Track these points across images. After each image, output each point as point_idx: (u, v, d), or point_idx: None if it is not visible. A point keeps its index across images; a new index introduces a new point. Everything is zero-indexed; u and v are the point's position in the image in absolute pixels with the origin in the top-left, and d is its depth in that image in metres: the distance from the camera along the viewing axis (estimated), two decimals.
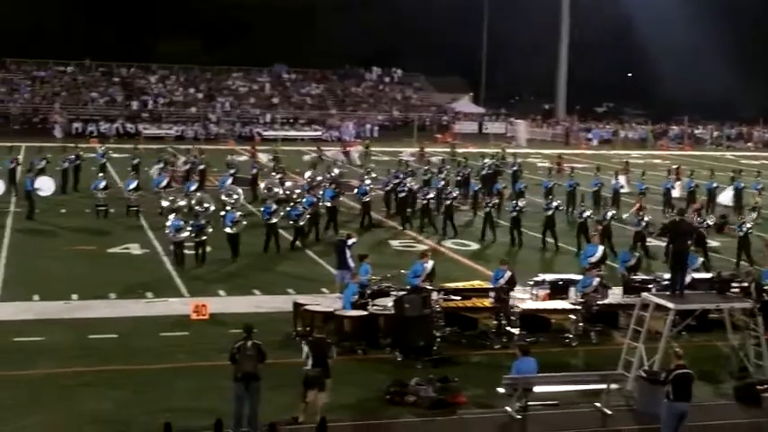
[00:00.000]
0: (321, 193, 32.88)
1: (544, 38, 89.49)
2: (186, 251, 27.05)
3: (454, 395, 16.80)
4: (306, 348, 15.41)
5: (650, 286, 21.53)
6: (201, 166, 40.99)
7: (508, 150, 53.30)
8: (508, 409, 16.34)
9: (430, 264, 22.06)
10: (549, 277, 23.33)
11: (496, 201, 34.19)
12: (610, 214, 30.38)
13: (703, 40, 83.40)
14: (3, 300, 22.81)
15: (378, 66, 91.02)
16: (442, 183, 37.16)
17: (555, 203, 31.48)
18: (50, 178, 36.81)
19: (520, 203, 31.71)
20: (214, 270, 26.61)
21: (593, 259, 23.75)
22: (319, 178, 37.05)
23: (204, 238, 27.06)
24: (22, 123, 70.86)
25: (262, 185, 36.19)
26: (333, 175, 38.30)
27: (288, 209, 30.33)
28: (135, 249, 29.02)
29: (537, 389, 16.44)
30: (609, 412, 16.58)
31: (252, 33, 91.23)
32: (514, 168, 43.73)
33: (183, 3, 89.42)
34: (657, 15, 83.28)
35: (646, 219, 29.72)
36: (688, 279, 20.20)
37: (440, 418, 16.22)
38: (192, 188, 34.61)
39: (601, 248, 24.57)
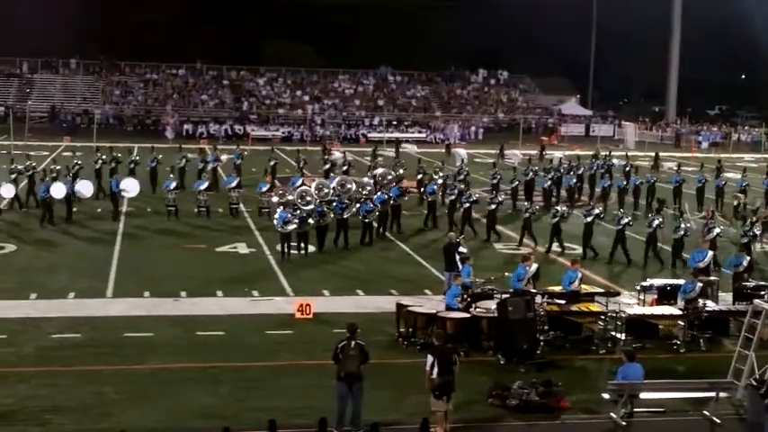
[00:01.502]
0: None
1: (654, 37, 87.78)
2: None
3: (558, 400, 16.58)
4: (431, 358, 15.05)
5: (763, 293, 20.86)
6: (272, 162, 42.62)
7: (616, 153, 52.62)
8: (613, 415, 16.07)
9: (534, 267, 21.89)
10: (656, 282, 22.89)
11: (537, 207, 32.85)
12: (656, 222, 28.66)
13: None
14: (115, 296, 23.48)
15: (483, 68, 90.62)
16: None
17: (596, 211, 29.85)
18: (135, 180, 36.91)
19: (561, 208, 30.79)
20: (318, 270, 26.91)
21: (702, 264, 23.24)
22: (390, 177, 37.36)
23: (307, 229, 28.39)
24: (135, 125, 72.93)
25: (335, 181, 36.39)
26: (399, 174, 38.81)
27: (358, 205, 30.95)
28: (242, 249, 29.52)
29: (643, 395, 16.12)
30: (718, 421, 16.16)
31: (358, 36, 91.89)
32: (627, 169, 43.66)
33: (290, 6, 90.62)
34: None
35: (685, 226, 28.38)
36: None
37: (543, 423, 16.04)
38: (264, 188, 35.29)
39: (710, 253, 23.97)
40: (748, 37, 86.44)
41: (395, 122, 76.86)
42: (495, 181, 39.11)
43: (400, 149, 57.09)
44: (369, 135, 72.25)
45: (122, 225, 32.86)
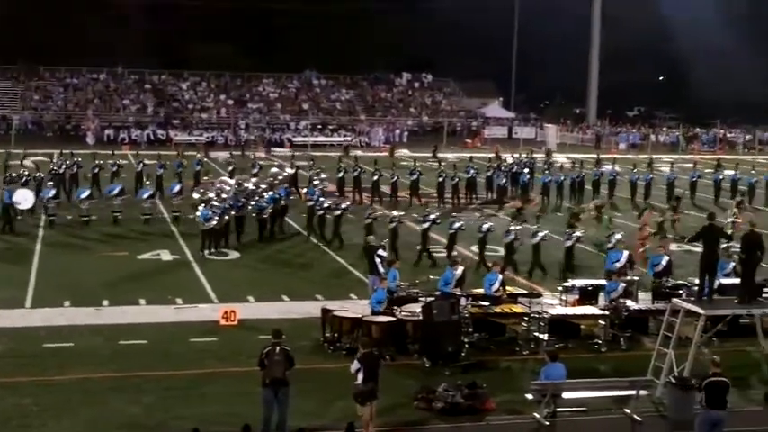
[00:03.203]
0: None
1: (576, 42, 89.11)
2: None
3: (482, 401, 16.74)
4: (357, 364, 15.07)
5: (680, 291, 21.29)
6: (230, 168, 42.38)
7: (536, 155, 53.48)
8: (536, 415, 16.26)
9: (460, 270, 22.06)
10: (578, 283, 23.22)
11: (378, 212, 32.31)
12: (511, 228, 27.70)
13: (738, 42, 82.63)
14: (34, 306, 23.01)
15: (408, 71, 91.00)
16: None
17: (432, 216, 28.89)
18: (29, 191, 35.35)
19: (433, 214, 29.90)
20: (242, 275, 26.78)
21: (619, 264, 23.63)
22: (280, 177, 38.28)
23: (223, 224, 29.75)
24: (56, 131, 71.59)
25: (232, 181, 36.51)
26: (286, 174, 39.92)
27: (252, 203, 32.02)
28: (165, 255, 29.20)
29: (566, 395, 16.33)
30: (638, 419, 16.46)
31: (283, 39, 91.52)
32: (546, 168, 45.62)
33: (214, 9, 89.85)
34: (690, 19, 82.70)
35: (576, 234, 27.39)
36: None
37: (468, 424, 16.18)
38: (146, 195, 35.32)
39: (626, 253, 24.36)
40: (667, 39, 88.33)
41: (320, 126, 76.72)
42: (440, 179, 40.47)
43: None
44: (293, 139, 71.91)
45: (41, 234, 32.23)
